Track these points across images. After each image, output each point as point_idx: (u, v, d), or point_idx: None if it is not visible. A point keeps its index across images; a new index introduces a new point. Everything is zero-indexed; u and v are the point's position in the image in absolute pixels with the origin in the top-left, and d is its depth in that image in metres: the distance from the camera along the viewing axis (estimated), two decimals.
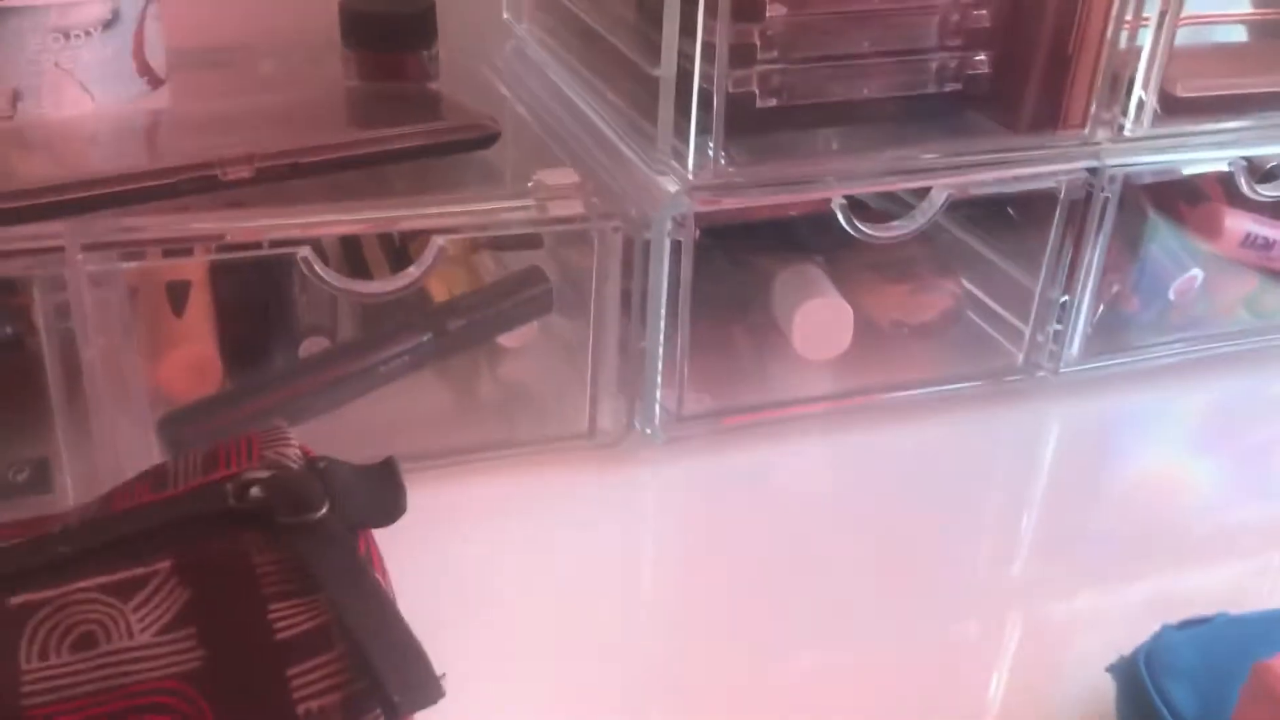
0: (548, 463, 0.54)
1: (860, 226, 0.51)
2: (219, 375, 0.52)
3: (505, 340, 0.59)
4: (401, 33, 0.58)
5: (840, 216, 0.51)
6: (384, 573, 0.34)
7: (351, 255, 0.55)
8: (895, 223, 0.53)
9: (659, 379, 0.53)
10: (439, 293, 0.59)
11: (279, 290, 0.52)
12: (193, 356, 0.51)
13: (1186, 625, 0.41)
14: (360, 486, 0.33)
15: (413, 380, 0.57)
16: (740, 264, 0.59)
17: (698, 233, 0.50)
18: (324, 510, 0.32)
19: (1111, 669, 0.41)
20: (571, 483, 0.54)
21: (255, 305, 0.52)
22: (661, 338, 0.52)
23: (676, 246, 0.50)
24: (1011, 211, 0.63)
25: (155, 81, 0.57)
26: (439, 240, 0.47)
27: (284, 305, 0.52)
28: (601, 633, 0.46)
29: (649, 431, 0.55)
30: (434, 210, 0.47)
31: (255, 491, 0.32)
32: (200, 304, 0.51)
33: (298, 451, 0.34)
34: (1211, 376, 0.65)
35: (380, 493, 0.34)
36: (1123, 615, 0.48)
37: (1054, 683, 0.44)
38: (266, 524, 0.31)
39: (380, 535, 0.35)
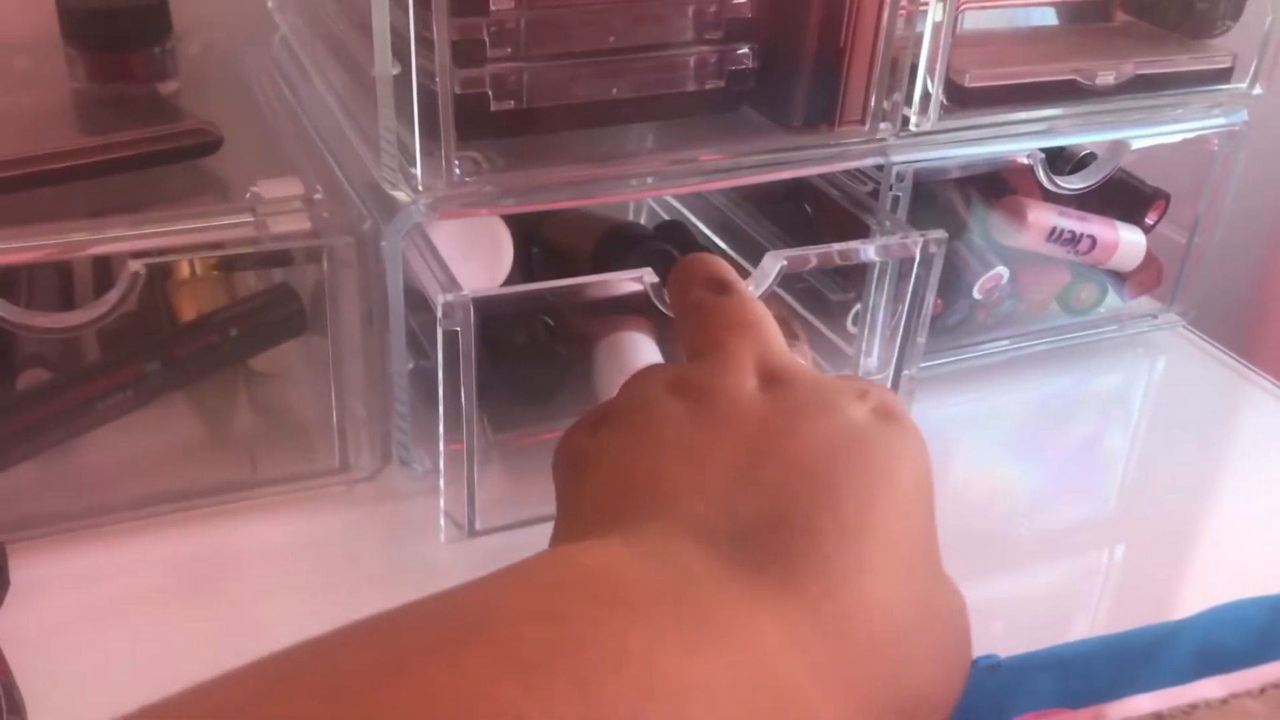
0: (294, 504, 0.49)
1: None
2: None
3: (258, 365, 0.54)
4: (126, 28, 0.52)
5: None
6: None
7: (64, 279, 0.50)
8: None
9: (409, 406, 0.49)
10: (188, 313, 0.54)
11: None
12: None
13: None
14: None
15: (165, 410, 0.52)
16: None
17: None
18: None
19: None
20: (316, 527, 0.49)
21: None
22: (410, 363, 0.48)
23: None
24: (808, 208, 0.60)
25: None
26: (133, 265, 0.42)
27: None
28: None
29: (414, 465, 0.50)
30: (125, 232, 0.42)
31: None
32: None
33: None
34: (1027, 376, 0.62)
35: None
36: None
37: None
38: None
39: None
